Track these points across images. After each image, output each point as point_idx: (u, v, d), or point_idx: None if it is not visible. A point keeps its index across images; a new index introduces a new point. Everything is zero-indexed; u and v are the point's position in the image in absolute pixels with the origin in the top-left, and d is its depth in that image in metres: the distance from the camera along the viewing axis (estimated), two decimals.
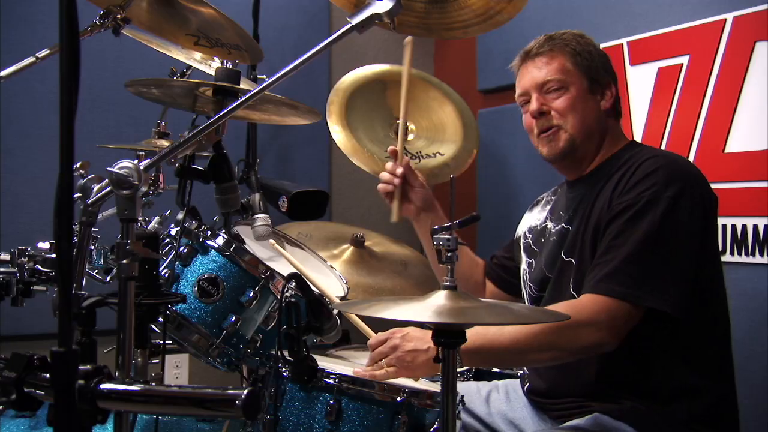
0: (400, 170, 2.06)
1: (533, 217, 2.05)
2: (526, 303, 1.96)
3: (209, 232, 1.70)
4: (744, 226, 2.20)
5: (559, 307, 1.66)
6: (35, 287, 1.64)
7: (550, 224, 1.94)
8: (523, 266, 2.00)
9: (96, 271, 1.86)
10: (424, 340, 1.63)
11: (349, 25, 1.36)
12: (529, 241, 2.00)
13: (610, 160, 1.84)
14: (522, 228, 2.08)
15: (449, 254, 1.34)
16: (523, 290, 2.00)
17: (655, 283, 1.60)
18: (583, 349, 1.64)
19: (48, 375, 0.89)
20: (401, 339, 1.65)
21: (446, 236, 1.34)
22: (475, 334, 1.59)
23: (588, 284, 1.65)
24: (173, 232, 1.73)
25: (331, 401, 1.52)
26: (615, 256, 1.63)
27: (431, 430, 1.57)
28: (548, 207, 2.02)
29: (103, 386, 0.88)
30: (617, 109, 1.89)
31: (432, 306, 1.31)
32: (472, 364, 1.64)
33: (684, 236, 1.64)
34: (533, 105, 1.85)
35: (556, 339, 1.62)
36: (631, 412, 1.66)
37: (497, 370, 2.19)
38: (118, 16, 1.70)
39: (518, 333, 1.62)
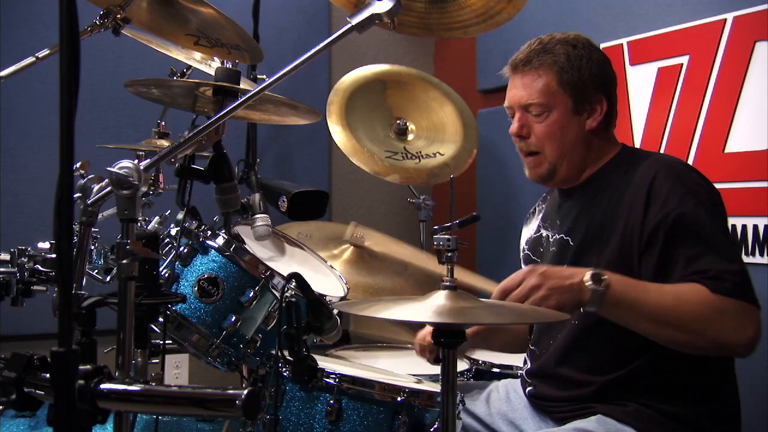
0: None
1: (529, 230, 2.04)
2: None
3: (209, 232, 1.70)
4: (744, 226, 2.20)
5: (693, 291, 1.56)
6: (35, 287, 1.64)
7: (545, 232, 1.93)
8: None
9: (96, 271, 1.86)
10: (562, 272, 1.55)
11: (349, 25, 1.36)
12: (528, 253, 1.99)
13: (605, 169, 1.81)
14: (522, 242, 2.07)
15: (449, 254, 1.34)
16: None
17: (750, 283, 1.60)
18: (716, 345, 1.57)
19: (48, 375, 0.89)
20: (541, 277, 1.53)
21: (446, 236, 1.34)
22: (622, 287, 1.53)
23: (706, 282, 1.56)
24: (173, 232, 1.73)
25: (332, 401, 1.52)
26: (710, 256, 1.57)
27: (431, 430, 1.57)
28: (540, 215, 2.01)
29: (103, 386, 0.88)
30: (608, 123, 1.83)
31: (432, 306, 1.31)
32: (607, 313, 1.56)
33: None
34: (514, 126, 1.83)
35: (695, 324, 1.55)
36: (635, 414, 1.66)
37: (497, 370, 2.19)
38: (118, 16, 1.70)
39: (665, 303, 1.55)
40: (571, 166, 1.82)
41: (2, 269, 1.62)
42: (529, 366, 1.90)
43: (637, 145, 2.49)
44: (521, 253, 2.04)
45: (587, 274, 1.53)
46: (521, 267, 2.02)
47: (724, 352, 1.62)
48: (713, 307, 1.54)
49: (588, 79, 1.79)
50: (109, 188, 1.16)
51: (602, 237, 1.72)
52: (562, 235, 1.83)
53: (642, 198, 1.66)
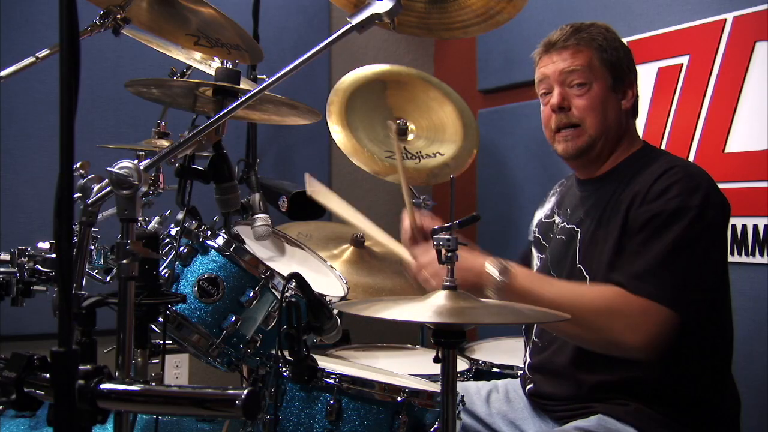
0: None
1: (542, 213, 2.04)
2: None
3: (209, 232, 1.70)
4: (744, 226, 2.20)
5: (593, 292, 1.62)
6: (35, 287, 1.64)
7: (557, 218, 1.92)
8: (535, 261, 1.98)
9: (96, 271, 1.86)
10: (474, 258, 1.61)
11: (349, 25, 1.36)
12: (539, 236, 1.98)
13: (624, 163, 1.81)
14: (533, 224, 2.07)
15: (449, 254, 1.34)
16: None
17: (683, 290, 1.59)
18: (611, 344, 1.60)
19: (48, 375, 0.89)
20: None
21: (446, 236, 1.34)
22: (527, 280, 1.61)
23: (617, 279, 1.60)
24: (173, 232, 1.73)
25: (332, 401, 1.52)
26: (645, 259, 1.59)
27: (431, 430, 1.57)
28: (554, 198, 2.01)
29: (103, 386, 0.88)
30: (636, 109, 1.86)
31: (432, 306, 1.31)
32: (509, 300, 1.61)
33: (709, 244, 1.64)
34: (554, 98, 1.79)
35: (590, 320, 1.58)
36: (635, 414, 1.66)
37: (497, 370, 2.19)
38: (118, 16, 1.70)
39: (564, 296, 1.60)
40: (609, 143, 1.80)
41: (2, 269, 1.62)
42: (529, 360, 1.89)
43: None
44: (531, 236, 2.03)
45: (492, 263, 1.60)
46: (531, 250, 2.02)
47: (620, 353, 1.61)
48: (612, 304, 1.57)
49: (624, 60, 1.82)
50: (109, 188, 1.16)
51: (607, 229, 1.72)
52: (573, 225, 1.83)
53: (644, 191, 1.67)
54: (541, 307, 1.54)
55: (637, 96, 1.85)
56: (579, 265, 1.77)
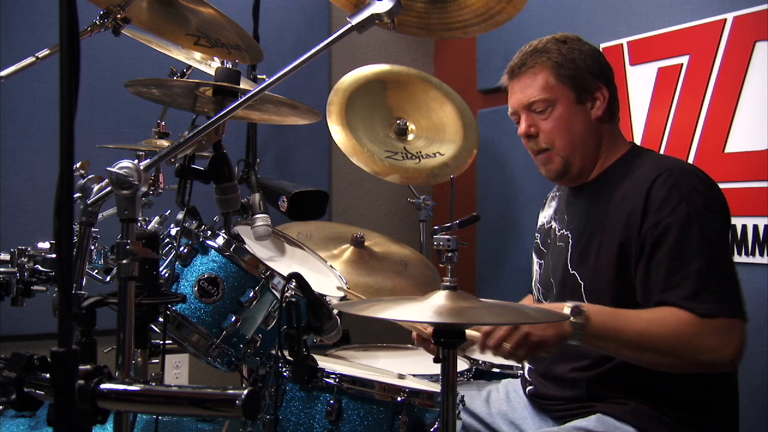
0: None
1: (542, 217, 2.05)
2: None
3: (209, 232, 1.70)
4: (744, 226, 2.20)
5: (671, 320, 1.59)
6: (35, 287, 1.64)
7: (554, 224, 1.93)
8: (535, 267, 1.99)
9: (96, 271, 1.86)
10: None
11: (349, 25, 1.36)
12: (538, 241, 2.00)
13: (613, 167, 1.82)
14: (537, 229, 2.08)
15: (449, 254, 1.34)
16: (534, 292, 1.99)
17: (736, 294, 1.63)
18: (699, 366, 1.62)
19: (48, 375, 0.89)
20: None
21: (446, 236, 1.34)
22: (602, 318, 1.57)
23: (673, 302, 1.59)
24: (173, 232, 1.73)
25: (332, 401, 1.53)
26: (688, 274, 1.59)
27: (431, 430, 1.57)
28: (553, 204, 2.01)
29: (103, 386, 0.88)
30: (613, 111, 1.85)
31: (432, 306, 1.31)
32: (590, 344, 1.60)
33: (724, 237, 1.68)
34: (522, 127, 1.84)
35: (681, 347, 1.59)
36: (635, 413, 1.66)
37: (497, 370, 2.19)
38: (118, 16, 1.70)
39: (644, 329, 1.59)
40: (585, 158, 1.82)
41: (2, 269, 1.62)
42: (529, 366, 1.90)
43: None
44: (534, 241, 2.04)
45: (566, 308, 1.56)
46: (532, 254, 2.02)
47: (708, 370, 1.64)
48: (690, 330, 1.57)
49: (584, 70, 1.81)
50: (109, 188, 1.16)
51: (602, 236, 1.73)
52: (568, 232, 1.85)
53: (641, 204, 1.66)
54: (625, 344, 1.59)
55: (610, 99, 1.83)
56: (573, 271, 1.77)
